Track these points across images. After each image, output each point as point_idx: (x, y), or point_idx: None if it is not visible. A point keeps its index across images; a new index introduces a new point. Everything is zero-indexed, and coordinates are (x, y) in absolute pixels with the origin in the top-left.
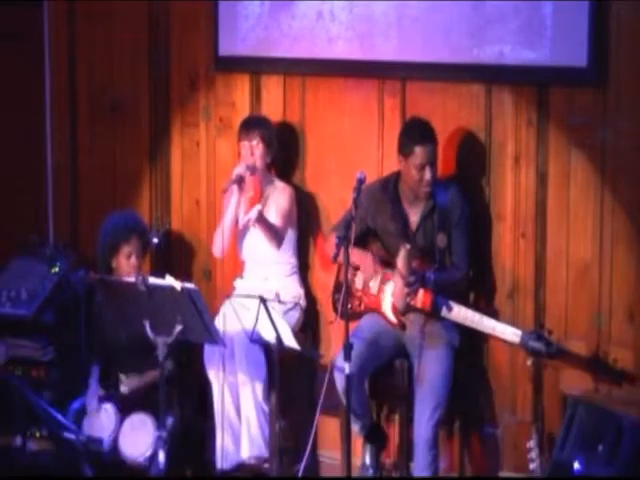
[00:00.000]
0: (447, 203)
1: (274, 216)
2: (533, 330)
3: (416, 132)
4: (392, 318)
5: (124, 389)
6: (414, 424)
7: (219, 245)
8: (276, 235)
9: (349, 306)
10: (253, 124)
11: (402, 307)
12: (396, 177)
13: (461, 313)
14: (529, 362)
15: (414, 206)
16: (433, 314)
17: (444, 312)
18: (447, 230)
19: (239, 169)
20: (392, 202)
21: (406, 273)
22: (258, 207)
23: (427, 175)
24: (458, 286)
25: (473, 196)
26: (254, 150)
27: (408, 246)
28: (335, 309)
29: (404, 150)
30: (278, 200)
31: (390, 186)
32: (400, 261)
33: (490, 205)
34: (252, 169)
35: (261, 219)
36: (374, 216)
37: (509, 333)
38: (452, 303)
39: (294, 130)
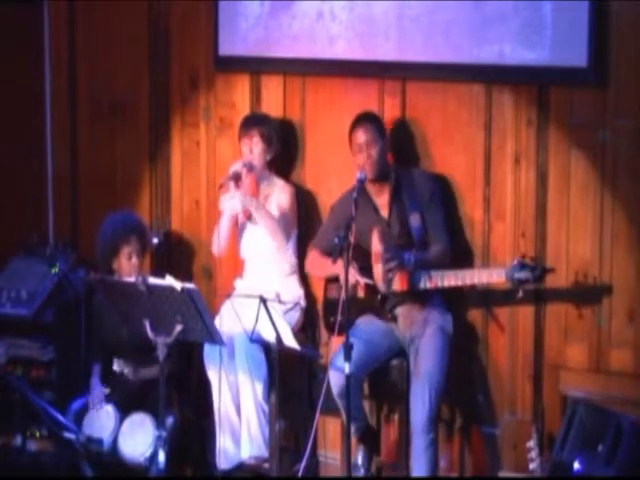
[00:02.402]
0: (412, 185)
1: (275, 214)
2: (515, 261)
3: (354, 121)
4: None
5: (116, 368)
6: (411, 410)
7: (217, 243)
8: (277, 227)
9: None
10: (252, 122)
11: (385, 288)
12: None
13: (444, 277)
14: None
15: (380, 196)
16: (414, 292)
17: (425, 284)
18: (420, 210)
19: (235, 166)
20: (362, 200)
21: (382, 251)
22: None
23: (364, 155)
24: (441, 261)
25: (473, 196)
26: (253, 148)
27: (378, 227)
28: (327, 328)
29: (350, 143)
30: (279, 198)
31: (358, 187)
32: (374, 243)
33: (490, 205)
34: (249, 166)
35: (259, 207)
36: (349, 219)
37: (494, 274)
38: (432, 271)
39: (294, 130)
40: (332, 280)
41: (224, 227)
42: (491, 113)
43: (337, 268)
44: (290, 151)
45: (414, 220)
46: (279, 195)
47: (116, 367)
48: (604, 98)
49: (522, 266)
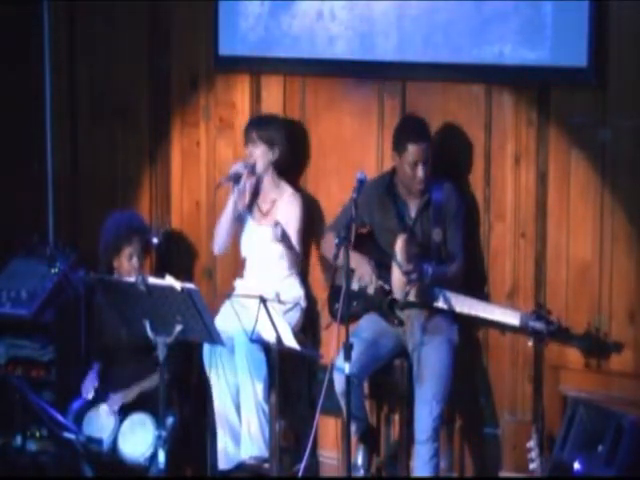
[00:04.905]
0: (442, 199)
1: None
2: (532, 310)
3: (410, 130)
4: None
5: (114, 407)
6: (415, 419)
7: (217, 242)
8: (295, 255)
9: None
10: (252, 125)
11: (401, 297)
12: (391, 174)
13: (459, 301)
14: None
15: (410, 201)
16: (431, 306)
17: (441, 303)
18: (443, 225)
19: (236, 167)
20: (388, 198)
21: (403, 262)
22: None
23: (419, 172)
24: (455, 280)
25: (473, 196)
26: (254, 151)
27: (405, 235)
28: (331, 313)
29: (398, 147)
30: (288, 211)
31: (385, 183)
32: (397, 250)
33: (490, 205)
34: (251, 169)
35: (284, 238)
36: (371, 214)
37: (508, 316)
38: (449, 293)
39: (294, 130)
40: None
41: (224, 225)
42: (491, 113)
43: (353, 262)
44: (290, 151)
45: (436, 235)
46: (288, 206)
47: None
48: (604, 98)
49: (539, 317)
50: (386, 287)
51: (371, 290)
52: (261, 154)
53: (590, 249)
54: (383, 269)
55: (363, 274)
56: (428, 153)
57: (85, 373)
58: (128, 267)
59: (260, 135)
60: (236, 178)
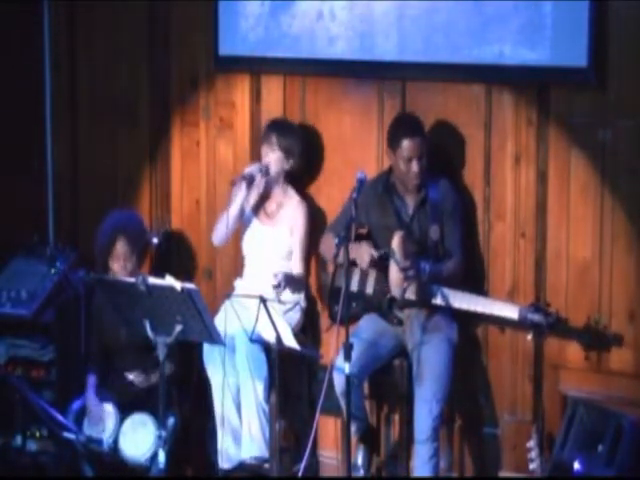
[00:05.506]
0: (438, 196)
1: (287, 234)
2: (531, 303)
3: (404, 126)
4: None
5: (134, 380)
6: (414, 418)
7: (222, 232)
8: (298, 281)
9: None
10: (272, 128)
11: (399, 295)
12: (388, 172)
13: (457, 297)
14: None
15: (407, 199)
16: (429, 304)
17: (439, 299)
18: (440, 222)
19: (252, 168)
20: (385, 196)
21: (401, 258)
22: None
23: (414, 168)
24: (453, 277)
25: (473, 196)
26: (270, 154)
27: (402, 232)
28: (330, 316)
29: (392, 144)
30: (294, 219)
31: (382, 181)
32: (394, 247)
33: (490, 205)
34: (265, 171)
35: (288, 281)
36: (368, 212)
37: (507, 309)
38: (446, 290)
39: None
40: (340, 268)
41: (229, 219)
42: (491, 113)
43: (352, 252)
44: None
45: (433, 232)
46: (295, 213)
47: (131, 377)
48: (604, 98)
49: (537, 309)
50: (384, 251)
51: (370, 289)
52: (277, 159)
53: (590, 249)
54: (381, 268)
55: (362, 254)
56: (422, 149)
57: (85, 373)
58: (118, 268)
59: (280, 141)
60: (250, 179)
